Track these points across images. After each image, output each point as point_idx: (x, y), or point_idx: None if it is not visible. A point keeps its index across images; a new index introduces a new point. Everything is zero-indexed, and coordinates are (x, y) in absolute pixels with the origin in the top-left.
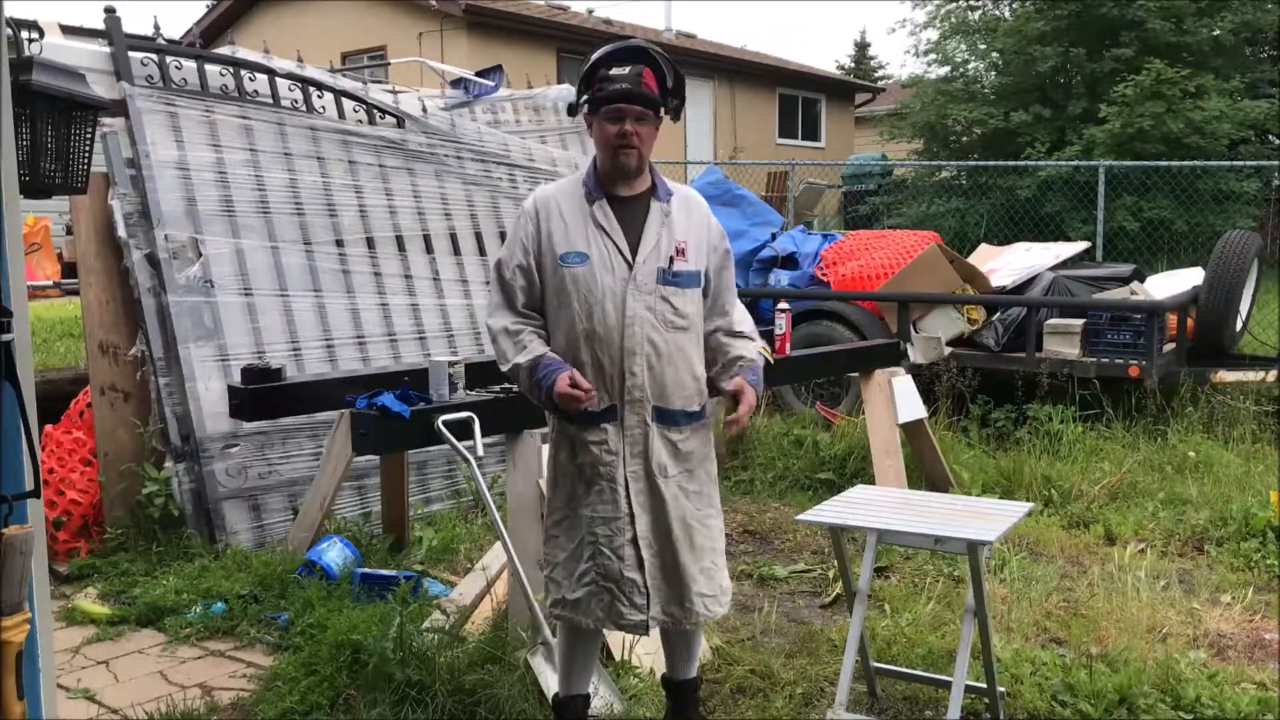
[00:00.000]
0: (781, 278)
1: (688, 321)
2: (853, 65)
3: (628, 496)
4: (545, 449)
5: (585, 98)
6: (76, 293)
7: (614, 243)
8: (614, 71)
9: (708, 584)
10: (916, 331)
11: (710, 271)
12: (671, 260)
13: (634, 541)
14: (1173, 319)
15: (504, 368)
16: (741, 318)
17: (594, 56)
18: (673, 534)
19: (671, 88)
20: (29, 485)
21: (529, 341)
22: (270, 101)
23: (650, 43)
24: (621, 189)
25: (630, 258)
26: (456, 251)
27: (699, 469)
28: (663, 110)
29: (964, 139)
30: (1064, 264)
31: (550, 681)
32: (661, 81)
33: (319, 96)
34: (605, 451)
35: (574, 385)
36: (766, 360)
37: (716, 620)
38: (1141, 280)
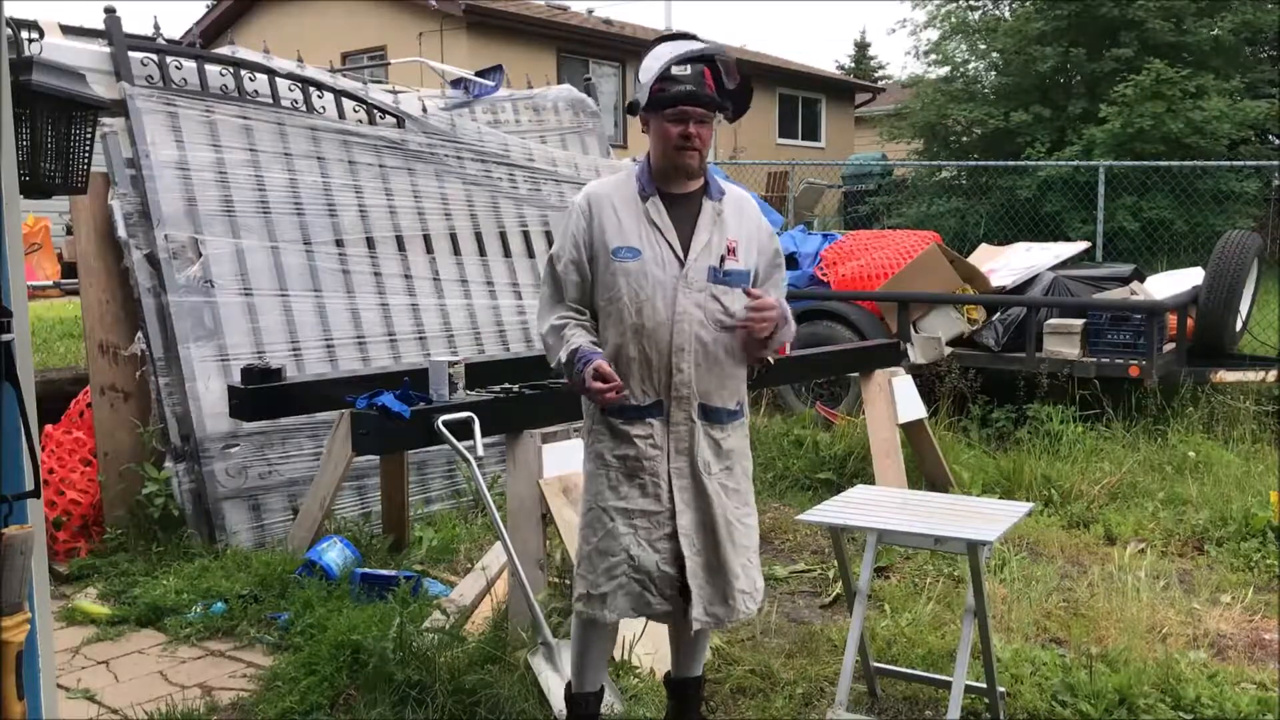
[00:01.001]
0: None
1: (735, 320)
2: (853, 65)
3: (670, 492)
4: (544, 449)
5: (646, 97)
6: (76, 293)
7: (666, 240)
8: (676, 71)
9: (747, 581)
10: (916, 331)
11: (760, 271)
12: (723, 259)
13: (673, 536)
14: (1173, 319)
15: (552, 364)
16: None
17: (660, 56)
18: (718, 530)
19: (734, 91)
20: (29, 485)
21: (571, 335)
22: (270, 101)
23: (714, 43)
24: (675, 187)
25: (682, 255)
26: (457, 251)
27: (737, 466)
28: (720, 111)
29: (964, 139)
30: (1064, 264)
31: (550, 681)
32: (719, 81)
33: (319, 96)
34: (650, 446)
35: (599, 377)
36: (769, 362)
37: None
38: (1141, 280)
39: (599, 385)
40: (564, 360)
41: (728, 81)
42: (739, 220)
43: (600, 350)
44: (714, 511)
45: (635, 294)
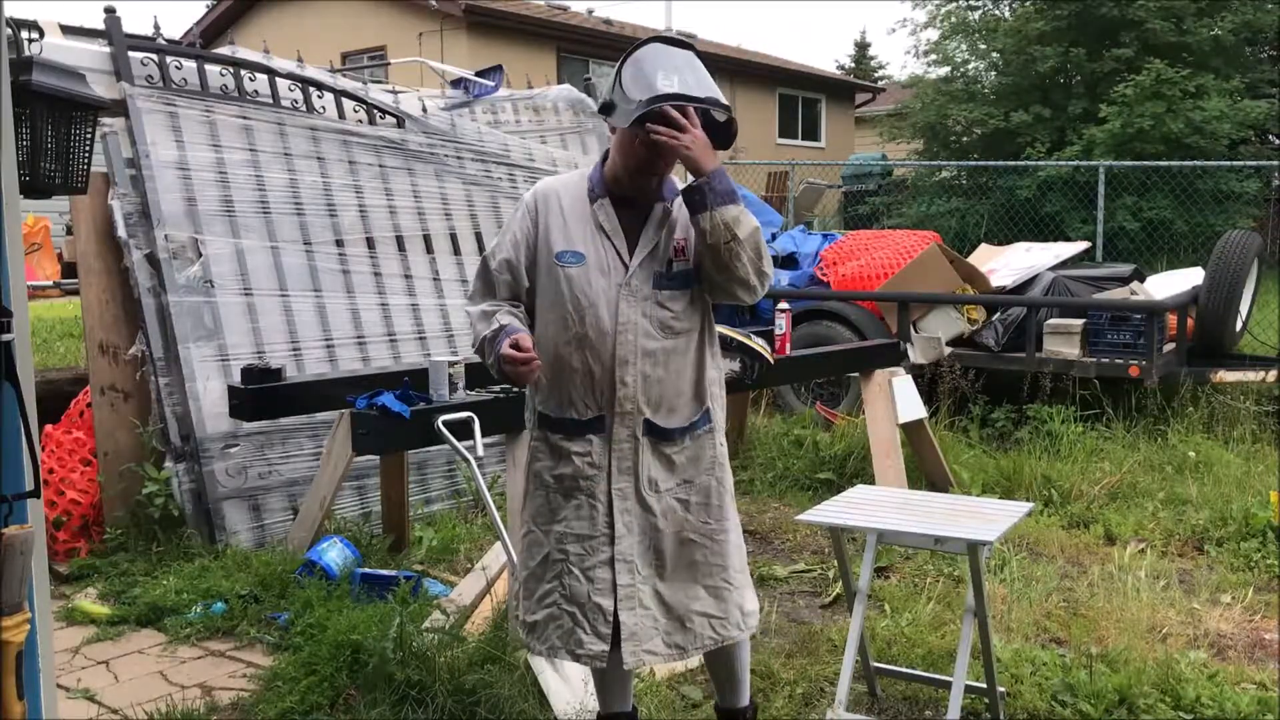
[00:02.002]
0: (781, 278)
1: (688, 324)
2: (853, 65)
3: (609, 514)
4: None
5: (624, 115)
6: (76, 293)
7: (613, 244)
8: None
9: (715, 604)
10: (916, 331)
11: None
12: (670, 263)
13: (610, 563)
14: (1173, 319)
15: (473, 347)
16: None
17: (649, 74)
18: (665, 553)
19: (721, 125)
20: (29, 485)
21: (500, 317)
22: (270, 101)
23: (709, 94)
24: (630, 192)
25: (628, 260)
26: (457, 251)
27: (701, 478)
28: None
29: (964, 139)
30: (1064, 264)
31: (550, 681)
32: (706, 114)
33: (319, 96)
34: (589, 465)
35: (515, 346)
36: (767, 359)
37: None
38: (1141, 280)
39: (513, 353)
40: (487, 337)
41: (716, 115)
42: (689, 218)
43: (525, 330)
44: (662, 531)
45: (578, 301)
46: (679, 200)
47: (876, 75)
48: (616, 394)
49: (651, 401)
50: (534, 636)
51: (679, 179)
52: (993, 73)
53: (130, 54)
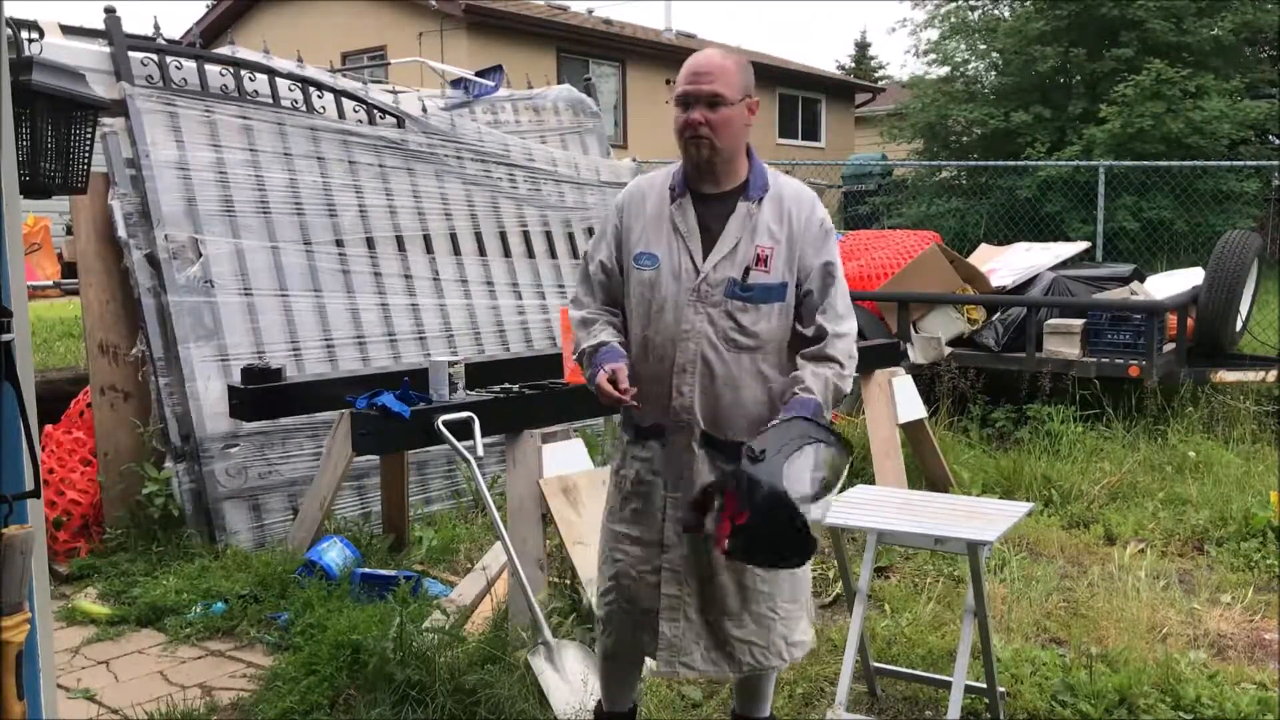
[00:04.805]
0: None
1: (758, 341)
2: (853, 65)
3: (663, 522)
4: (545, 449)
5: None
6: (76, 293)
7: (687, 246)
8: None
9: (759, 632)
10: (916, 331)
11: (804, 281)
12: (747, 271)
13: (658, 571)
14: (1173, 319)
15: (574, 356)
16: (838, 345)
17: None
18: (716, 576)
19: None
20: (29, 485)
21: (599, 331)
22: (270, 101)
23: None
24: (707, 185)
25: (701, 264)
26: (456, 251)
27: None
28: (745, 97)
29: (964, 139)
30: (1064, 264)
31: (550, 681)
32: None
33: (319, 96)
34: (648, 470)
35: (613, 381)
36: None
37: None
38: (1141, 280)
39: (606, 388)
40: (586, 351)
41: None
42: (778, 222)
43: (623, 352)
44: (714, 554)
45: (647, 305)
46: (769, 195)
47: (876, 75)
48: (673, 402)
49: (709, 415)
50: (604, 631)
51: (771, 171)
52: (993, 73)
53: (130, 54)
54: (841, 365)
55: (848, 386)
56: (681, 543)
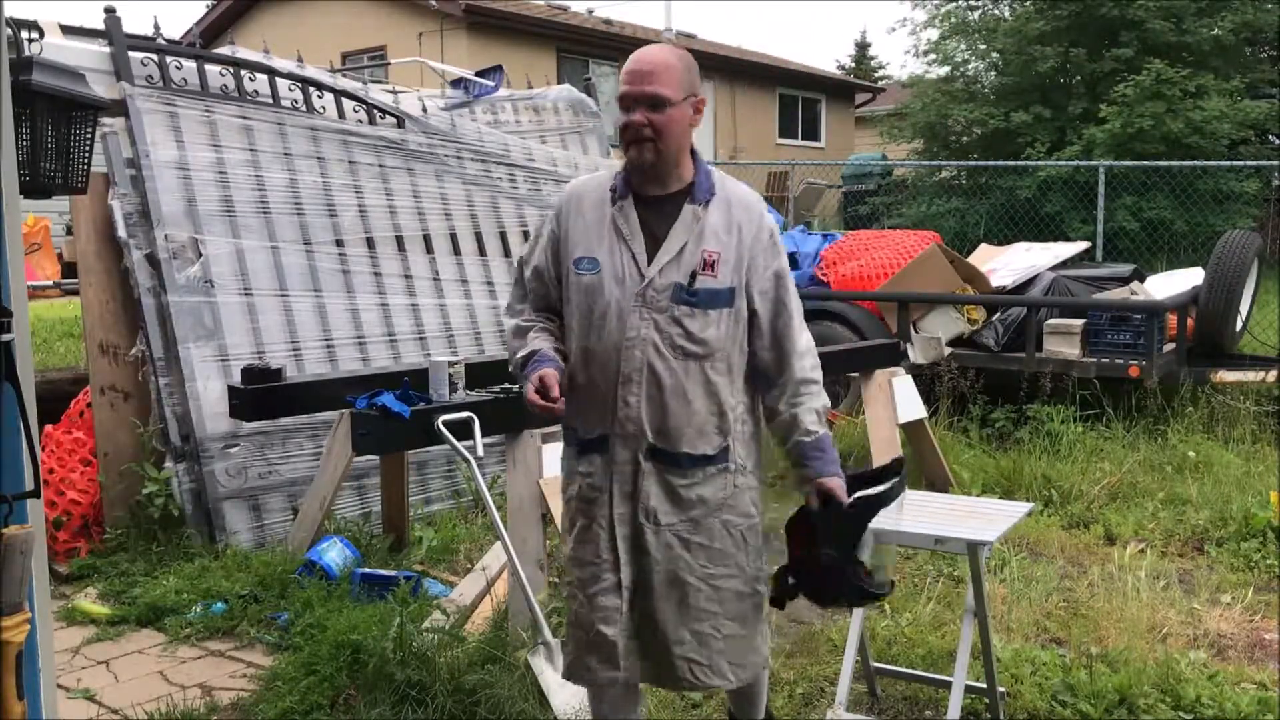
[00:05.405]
0: None
1: (707, 349)
2: (853, 65)
3: (611, 541)
4: (544, 449)
5: None
6: (76, 293)
7: (630, 250)
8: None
9: (699, 649)
10: (916, 331)
11: (754, 293)
12: (694, 276)
13: (615, 589)
14: (1173, 319)
15: (510, 367)
16: (804, 363)
17: None
18: (654, 591)
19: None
20: (29, 485)
21: (534, 339)
22: (270, 101)
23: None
24: (651, 188)
25: (645, 269)
26: (456, 251)
27: (709, 520)
28: (689, 96)
29: (964, 139)
30: (1064, 264)
31: (550, 681)
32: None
33: (319, 96)
34: (590, 487)
35: (540, 389)
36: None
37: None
38: (1141, 280)
39: (534, 398)
40: (519, 360)
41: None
42: (726, 227)
43: (557, 359)
44: (654, 569)
45: (588, 312)
46: (716, 200)
47: (876, 75)
48: (618, 413)
49: (656, 426)
50: (564, 654)
51: (714, 173)
52: (993, 73)
53: (130, 54)
54: (818, 382)
55: (827, 396)
56: (631, 563)
